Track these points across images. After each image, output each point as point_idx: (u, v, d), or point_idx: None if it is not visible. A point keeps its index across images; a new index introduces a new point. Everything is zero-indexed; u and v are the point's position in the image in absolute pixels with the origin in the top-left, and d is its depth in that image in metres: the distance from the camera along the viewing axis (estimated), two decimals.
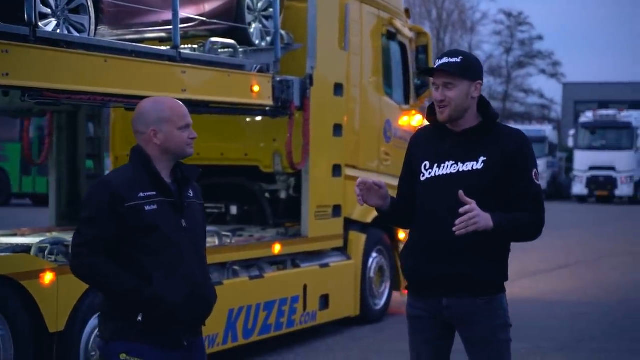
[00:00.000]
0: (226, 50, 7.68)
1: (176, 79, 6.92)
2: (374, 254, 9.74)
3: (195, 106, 7.22)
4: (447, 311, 4.12)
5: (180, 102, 3.91)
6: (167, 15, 7.02)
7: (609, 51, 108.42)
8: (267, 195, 9.33)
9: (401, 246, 10.06)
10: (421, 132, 4.37)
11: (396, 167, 10.13)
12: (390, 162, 9.97)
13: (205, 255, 3.95)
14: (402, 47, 10.40)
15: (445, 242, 4.04)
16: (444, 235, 4.02)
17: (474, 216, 3.89)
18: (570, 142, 40.30)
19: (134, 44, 6.72)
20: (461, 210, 3.90)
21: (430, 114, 4.23)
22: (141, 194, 3.71)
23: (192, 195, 3.91)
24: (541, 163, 37.07)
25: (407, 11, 10.54)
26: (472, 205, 3.91)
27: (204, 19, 7.39)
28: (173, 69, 6.89)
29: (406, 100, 10.50)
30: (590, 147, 38.28)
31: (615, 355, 8.48)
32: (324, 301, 8.83)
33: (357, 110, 9.41)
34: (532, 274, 13.88)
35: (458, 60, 4.04)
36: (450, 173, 4.08)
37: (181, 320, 3.76)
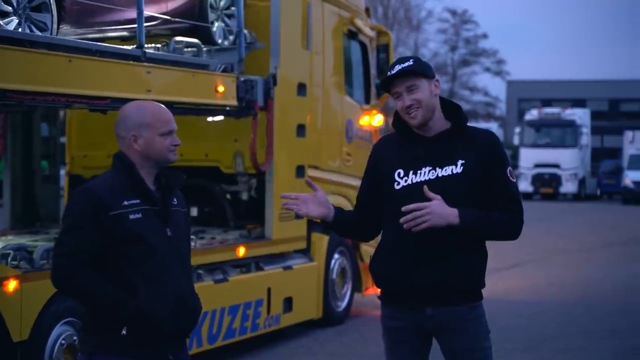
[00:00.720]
0: (190, 49, 7.52)
1: (141, 79, 6.76)
2: (336, 255, 9.65)
3: None
4: (432, 321, 4.03)
5: (165, 107, 3.76)
6: (130, 14, 6.85)
7: (552, 49, 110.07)
8: (228, 196, 9.18)
9: (363, 247, 10.02)
10: (386, 139, 4.26)
11: (358, 168, 10.11)
12: (352, 162, 9.89)
13: (190, 265, 3.82)
14: (363, 46, 10.33)
15: (427, 250, 3.95)
16: (425, 243, 3.94)
17: (425, 213, 3.85)
18: (516, 140, 40.71)
19: (99, 43, 6.54)
20: (408, 207, 3.87)
21: (396, 123, 4.13)
22: (125, 202, 3.57)
23: (176, 203, 3.78)
24: None
25: (367, 10, 10.46)
26: (432, 201, 3.86)
27: (168, 17, 7.23)
28: (138, 69, 6.73)
29: (367, 100, 10.43)
30: (535, 145, 38.72)
31: (580, 354, 8.50)
32: (288, 304, 8.72)
33: (320, 111, 9.31)
34: (486, 273, 13.90)
35: (411, 62, 4.01)
36: (429, 179, 3.99)
37: (167, 333, 3.63)
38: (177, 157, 3.75)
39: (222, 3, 7.93)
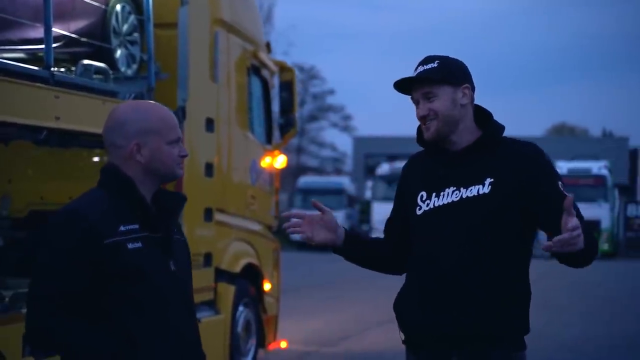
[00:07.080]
0: (97, 76, 6.68)
1: (49, 104, 5.85)
2: (241, 308, 8.83)
3: (66, 137, 6.22)
4: None
5: (167, 109, 3.02)
6: (29, 33, 5.99)
7: (395, 107, 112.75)
8: None
9: (266, 298, 9.29)
10: (415, 158, 3.66)
11: (262, 212, 9.39)
12: (256, 205, 9.16)
13: (194, 306, 3.04)
14: (264, 82, 9.67)
15: (453, 287, 3.33)
16: (450, 279, 3.33)
17: (577, 235, 3.05)
18: (368, 194, 40.81)
19: (4, 60, 5.64)
20: (569, 226, 3.05)
21: (420, 136, 3.56)
22: (122, 228, 2.78)
23: (176, 230, 3.01)
24: (340, 215, 37.27)
25: (267, 45, 9.84)
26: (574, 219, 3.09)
27: (76, 36, 6.38)
28: (46, 93, 5.82)
29: (268, 139, 9.75)
30: (387, 198, 38.85)
31: None
32: None
33: (226, 149, 8.53)
34: (377, 324, 13.41)
35: (434, 65, 3.42)
36: (452, 201, 3.39)
37: None
38: (183, 172, 3.00)
39: (125, 28, 7.13)
